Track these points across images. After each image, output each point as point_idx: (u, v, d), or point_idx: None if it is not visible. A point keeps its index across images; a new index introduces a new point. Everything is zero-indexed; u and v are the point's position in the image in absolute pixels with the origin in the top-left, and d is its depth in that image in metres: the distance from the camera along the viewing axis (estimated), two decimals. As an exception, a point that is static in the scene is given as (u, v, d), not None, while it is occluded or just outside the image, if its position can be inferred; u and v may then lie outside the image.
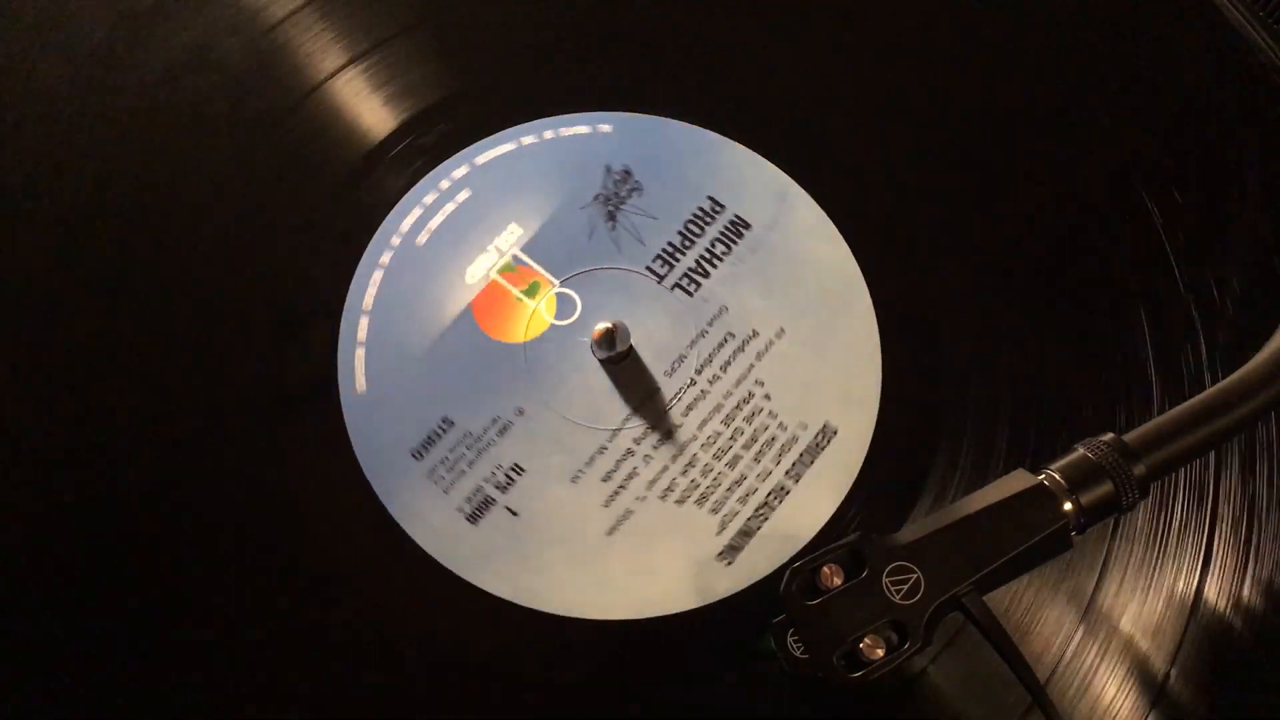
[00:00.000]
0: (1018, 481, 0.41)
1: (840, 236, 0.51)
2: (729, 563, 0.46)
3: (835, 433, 0.48)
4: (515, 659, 0.44)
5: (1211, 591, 0.46)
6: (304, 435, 0.47)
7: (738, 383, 0.49)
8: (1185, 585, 0.46)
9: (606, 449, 0.47)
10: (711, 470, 0.47)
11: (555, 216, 0.50)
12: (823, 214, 0.51)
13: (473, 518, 0.46)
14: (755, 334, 0.50)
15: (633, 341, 0.48)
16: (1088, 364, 0.49)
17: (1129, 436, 0.41)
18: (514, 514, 0.46)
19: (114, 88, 0.51)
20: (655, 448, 0.47)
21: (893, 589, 0.39)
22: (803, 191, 0.52)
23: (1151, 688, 0.44)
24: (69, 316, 0.47)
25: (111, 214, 0.49)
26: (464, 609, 0.45)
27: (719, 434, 0.48)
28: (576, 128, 0.52)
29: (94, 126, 0.50)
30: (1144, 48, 0.55)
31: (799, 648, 0.39)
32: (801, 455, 0.48)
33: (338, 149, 0.51)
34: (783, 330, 0.50)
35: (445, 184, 0.51)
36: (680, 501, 0.47)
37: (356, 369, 0.48)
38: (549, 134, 0.52)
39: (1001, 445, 0.48)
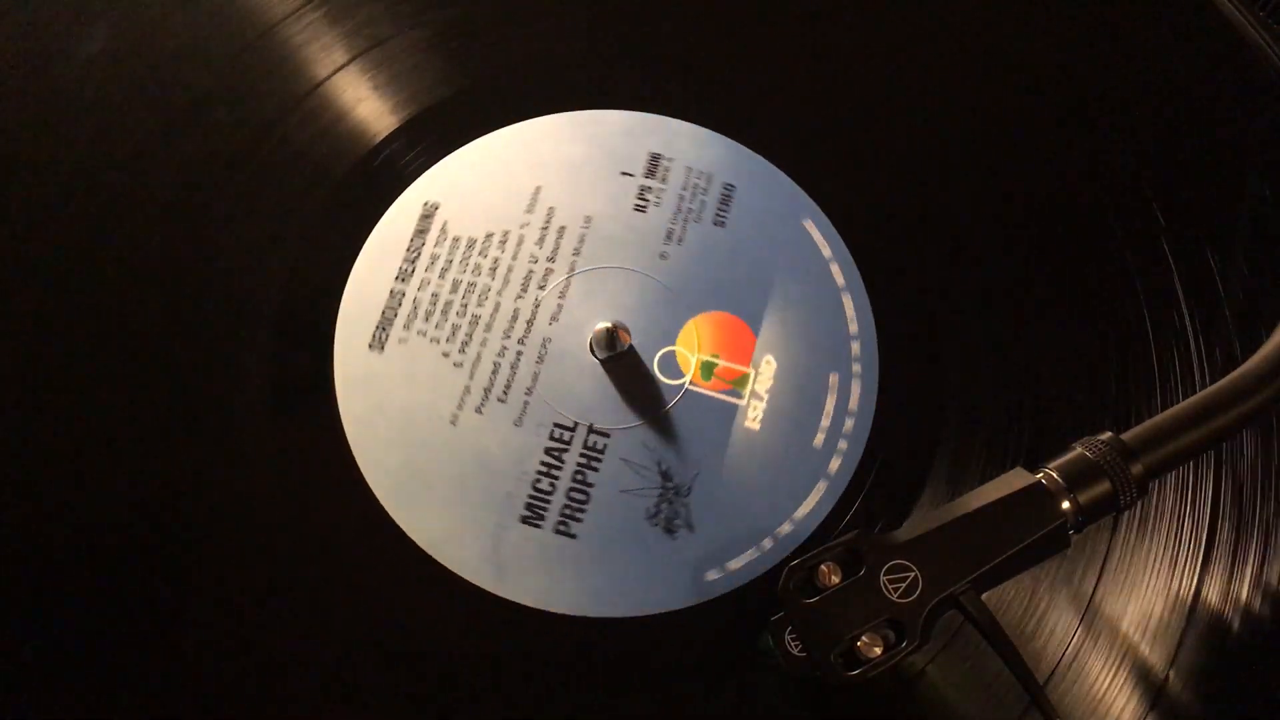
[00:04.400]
0: (1016, 480, 0.41)
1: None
2: None
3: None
4: (513, 657, 0.44)
5: (1211, 592, 0.46)
6: (301, 435, 0.47)
7: None
8: (1185, 585, 0.46)
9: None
10: None
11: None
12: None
13: None
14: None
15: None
16: (1087, 363, 0.49)
17: (1127, 435, 0.41)
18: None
19: (113, 87, 0.51)
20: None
21: (890, 587, 0.39)
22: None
23: (1151, 688, 0.44)
24: (68, 316, 0.47)
25: (110, 213, 0.49)
26: (461, 607, 0.45)
27: None
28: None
29: (93, 126, 0.50)
30: (1144, 48, 0.55)
31: (797, 646, 0.39)
32: None
33: (338, 149, 0.51)
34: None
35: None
36: None
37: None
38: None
39: (1000, 444, 0.48)
